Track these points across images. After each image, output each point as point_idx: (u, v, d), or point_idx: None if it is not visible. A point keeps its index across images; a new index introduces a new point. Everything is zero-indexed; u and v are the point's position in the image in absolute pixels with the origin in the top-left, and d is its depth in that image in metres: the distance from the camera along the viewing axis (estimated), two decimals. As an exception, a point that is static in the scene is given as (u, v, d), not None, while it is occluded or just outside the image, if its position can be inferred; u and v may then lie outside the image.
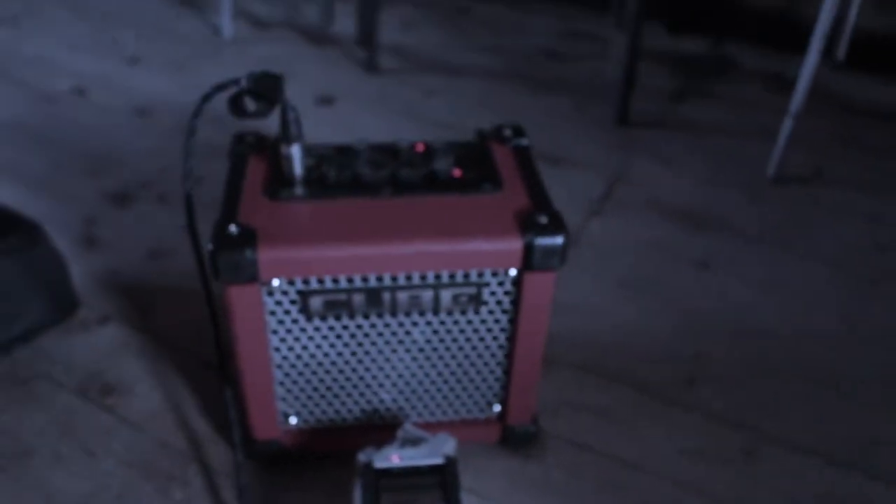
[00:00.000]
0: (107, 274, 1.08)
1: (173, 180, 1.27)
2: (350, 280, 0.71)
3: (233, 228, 0.68)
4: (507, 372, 0.79)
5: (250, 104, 0.72)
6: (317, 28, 1.73)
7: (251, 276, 0.68)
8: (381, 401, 0.80)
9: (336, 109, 1.46)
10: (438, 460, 0.72)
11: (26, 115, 1.43)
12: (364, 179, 0.75)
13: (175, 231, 1.16)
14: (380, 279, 0.71)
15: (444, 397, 0.81)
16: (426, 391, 0.80)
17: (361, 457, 0.72)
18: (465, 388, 0.81)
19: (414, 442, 0.74)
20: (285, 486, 0.81)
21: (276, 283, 0.70)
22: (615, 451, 0.86)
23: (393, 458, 0.72)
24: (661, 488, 0.83)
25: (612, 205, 1.25)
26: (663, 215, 1.24)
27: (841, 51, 1.64)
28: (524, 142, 0.81)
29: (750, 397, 0.93)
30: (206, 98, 0.72)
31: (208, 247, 0.68)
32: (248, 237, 0.68)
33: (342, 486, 0.81)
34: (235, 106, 0.71)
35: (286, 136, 0.73)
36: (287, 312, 0.72)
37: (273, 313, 0.72)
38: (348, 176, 0.76)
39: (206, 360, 0.96)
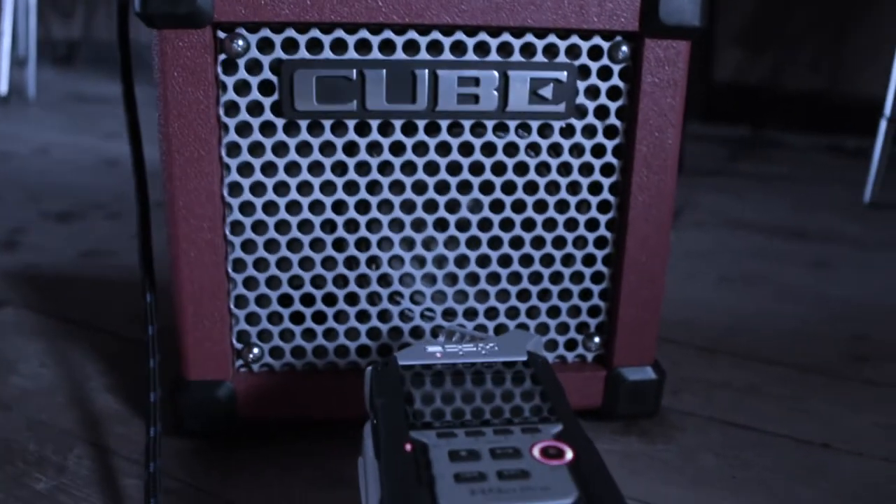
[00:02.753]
0: (19, 267, 0.78)
1: (132, 204, 1.01)
2: (362, 44, 0.43)
3: (174, -62, 0.42)
4: (615, 258, 0.49)
5: None
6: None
7: (198, 6, 0.40)
8: (408, 307, 0.48)
9: None
10: (520, 356, 0.39)
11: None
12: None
13: (122, 239, 0.88)
14: (410, 47, 0.43)
15: (507, 309, 0.49)
16: (480, 294, 0.49)
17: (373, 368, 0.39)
18: (539, 293, 0.49)
19: (466, 339, 0.42)
20: (231, 466, 0.46)
21: (240, 41, 0.42)
22: (788, 431, 0.52)
23: (434, 352, 0.39)
24: (872, 467, 0.48)
25: (684, 224, 0.98)
26: (751, 230, 0.97)
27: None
28: None
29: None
30: None
31: (130, -40, 0.41)
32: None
33: (331, 468, 0.47)
34: None
35: None
36: (256, 109, 0.44)
37: (232, 108, 0.43)
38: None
39: (128, 339, 0.63)
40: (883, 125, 1.06)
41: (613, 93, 0.46)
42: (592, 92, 0.46)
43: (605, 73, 0.46)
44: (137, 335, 0.64)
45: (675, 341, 0.65)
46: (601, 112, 0.46)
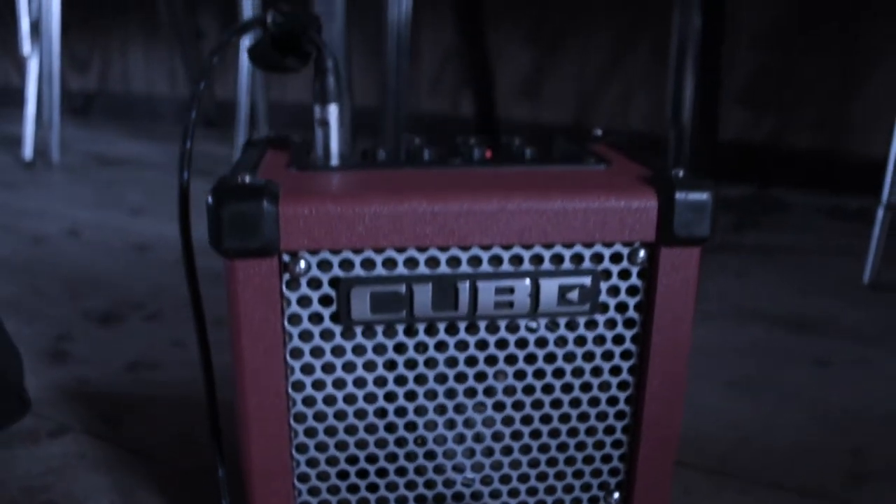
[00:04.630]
0: (72, 383, 0.84)
1: (168, 300, 1.07)
2: (411, 262, 0.49)
3: (245, 178, 0.48)
4: (633, 427, 0.54)
5: (279, 54, 0.55)
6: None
7: (267, 241, 0.46)
8: (451, 480, 0.54)
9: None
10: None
11: (7, 253, 1.26)
12: (426, 157, 0.56)
13: (163, 345, 0.94)
14: (453, 262, 0.49)
15: (538, 473, 0.55)
16: (513, 463, 0.54)
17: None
18: (565, 459, 0.55)
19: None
20: None
21: (302, 263, 0.48)
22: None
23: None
24: None
25: (695, 316, 1.03)
26: (756, 321, 1.02)
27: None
28: (620, 138, 0.64)
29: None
30: (222, 46, 0.55)
31: (208, 201, 0.47)
32: (266, 189, 0.47)
33: None
34: (259, 54, 0.54)
35: (322, 93, 0.55)
36: (316, 319, 0.49)
37: (295, 319, 0.49)
38: (405, 154, 0.57)
39: (188, 470, 0.69)
40: (880, 213, 1.11)
41: (632, 291, 0.52)
42: (613, 290, 0.52)
43: (624, 275, 0.52)
44: (195, 465, 0.70)
45: (685, 463, 0.71)
46: (621, 307, 0.52)
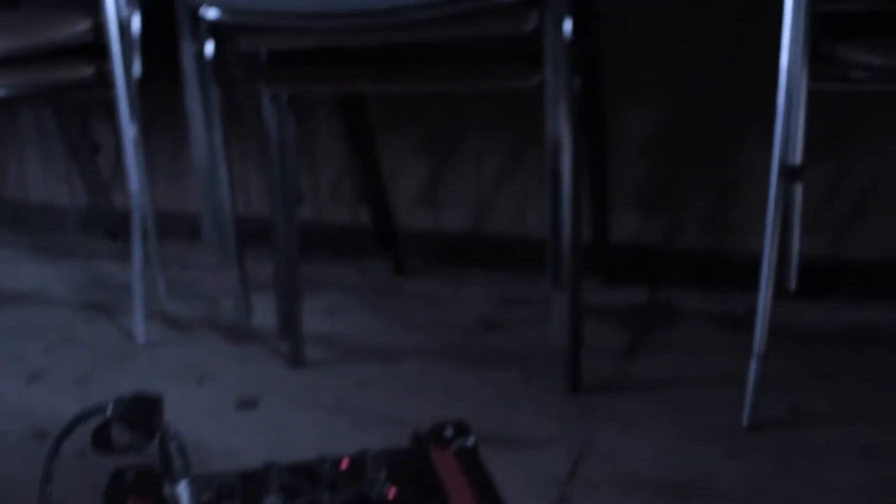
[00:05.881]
0: None
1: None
2: None
3: None
4: None
5: (121, 436, 0.56)
6: (237, 323, 1.62)
7: None
8: None
9: (259, 412, 1.31)
10: None
11: None
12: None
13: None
14: None
15: None
16: None
17: None
18: None
19: None
20: None
21: None
22: None
23: None
24: None
25: (580, 487, 1.08)
26: (639, 490, 1.07)
27: (791, 280, 1.60)
28: (469, 441, 0.67)
29: None
30: (65, 433, 0.56)
31: None
32: None
33: None
34: (101, 440, 0.56)
35: (168, 473, 0.57)
36: None
37: None
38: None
39: None
40: (753, 365, 1.18)
41: None
42: None
43: None
44: None
45: None
46: None
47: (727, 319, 1.58)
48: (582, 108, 1.49)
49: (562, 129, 1.26)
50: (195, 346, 1.55)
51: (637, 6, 1.63)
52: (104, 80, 1.51)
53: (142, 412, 0.56)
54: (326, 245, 1.99)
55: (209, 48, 1.34)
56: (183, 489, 0.57)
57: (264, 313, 1.61)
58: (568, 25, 1.16)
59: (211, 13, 1.22)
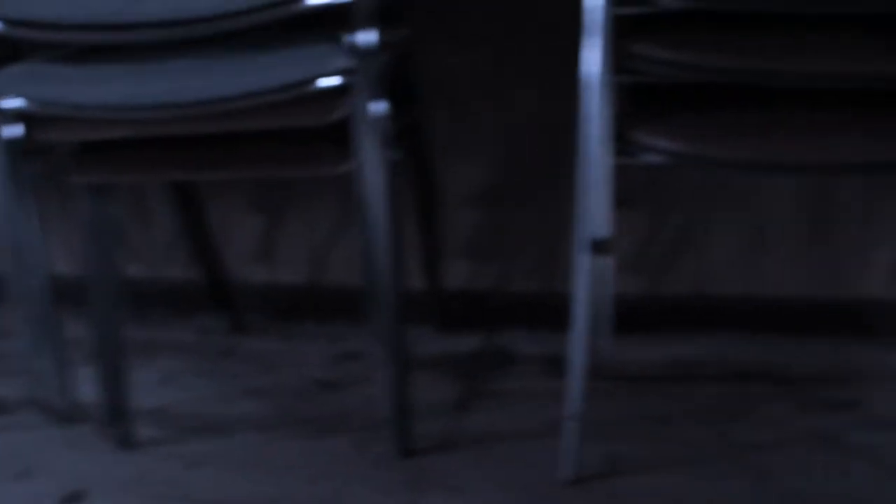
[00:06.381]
0: None
1: None
2: None
3: None
4: None
5: None
6: (64, 402, 1.55)
7: None
8: None
9: (85, 507, 1.26)
10: None
11: None
12: None
13: None
14: None
15: None
16: None
17: None
18: None
19: None
20: None
21: None
22: None
23: None
24: None
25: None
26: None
27: (604, 325, 1.70)
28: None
29: None
30: None
31: None
32: None
33: None
34: None
35: None
36: None
37: None
38: None
39: None
40: (567, 424, 1.25)
41: None
42: None
43: None
44: None
45: None
46: None
47: (558, 363, 1.65)
48: (407, 168, 1.52)
49: (376, 199, 1.26)
50: (20, 432, 1.47)
51: (460, 75, 1.69)
52: None
53: None
54: (163, 304, 1.94)
55: (17, 131, 1.28)
56: None
57: (94, 386, 1.54)
58: (380, 107, 1.18)
59: (15, 103, 1.17)
